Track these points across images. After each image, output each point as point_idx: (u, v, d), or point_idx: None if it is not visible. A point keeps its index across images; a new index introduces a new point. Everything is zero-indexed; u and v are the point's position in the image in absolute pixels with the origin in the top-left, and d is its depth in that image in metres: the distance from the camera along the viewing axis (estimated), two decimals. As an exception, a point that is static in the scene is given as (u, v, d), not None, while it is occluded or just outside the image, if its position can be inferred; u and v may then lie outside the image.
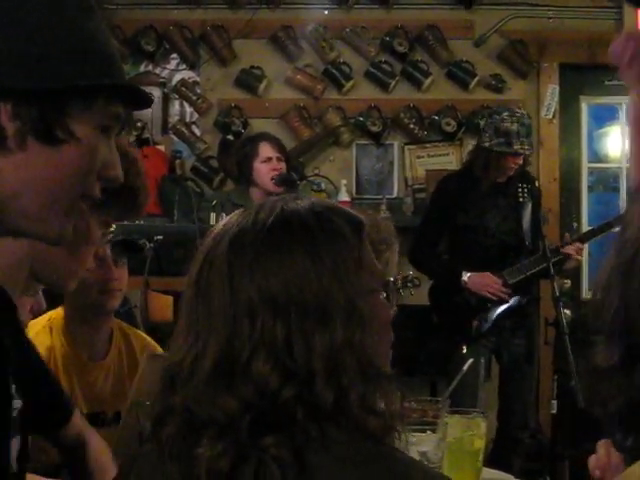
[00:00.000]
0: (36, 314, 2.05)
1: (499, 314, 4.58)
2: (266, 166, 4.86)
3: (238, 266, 1.26)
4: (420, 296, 4.86)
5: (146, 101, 1.30)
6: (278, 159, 4.92)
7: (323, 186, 5.73)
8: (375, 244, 2.77)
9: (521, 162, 4.59)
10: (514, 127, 4.50)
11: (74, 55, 1.24)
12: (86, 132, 1.25)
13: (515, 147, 4.48)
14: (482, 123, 4.90)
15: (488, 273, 4.51)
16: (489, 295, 4.51)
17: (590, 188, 6.02)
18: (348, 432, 1.22)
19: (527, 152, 4.58)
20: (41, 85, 1.20)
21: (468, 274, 4.52)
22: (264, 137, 5.08)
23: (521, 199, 4.63)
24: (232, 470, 1.19)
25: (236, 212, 1.35)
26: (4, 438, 1.32)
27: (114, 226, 1.99)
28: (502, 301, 4.55)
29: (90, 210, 1.83)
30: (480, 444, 2.12)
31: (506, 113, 4.57)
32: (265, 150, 4.91)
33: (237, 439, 1.20)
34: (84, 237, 1.87)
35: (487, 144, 4.54)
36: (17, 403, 1.58)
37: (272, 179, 4.79)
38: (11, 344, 1.33)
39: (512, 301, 4.57)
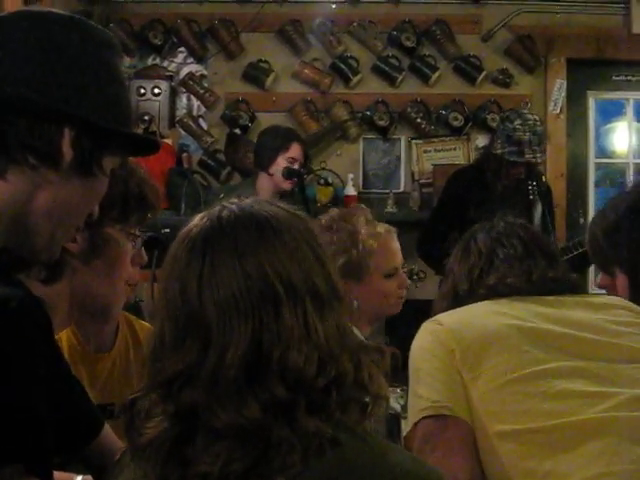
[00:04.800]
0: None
1: None
2: (287, 165, 4.87)
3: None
4: (425, 290, 4.85)
5: (155, 152, 1.41)
6: (299, 164, 4.94)
7: (330, 180, 5.74)
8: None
9: (532, 167, 4.60)
10: (526, 137, 4.49)
11: (115, 101, 1.31)
12: (107, 172, 1.32)
13: (527, 156, 4.48)
14: (493, 124, 4.84)
15: None
16: None
17: (597, 183, 6.03)
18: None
19: (539, 160, 4.59)
20: (102, 122, 1.26)
21: None
22: (298, 138, 5.05)
23: (531, 196, 4.63)
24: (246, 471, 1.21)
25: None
26: None
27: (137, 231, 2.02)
28: None
29: (114, 226, 1.89)
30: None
31: (518, 122, 4.52)
32: (295, 151, 4.92)
33: (263, 438, 1.21)
34: (118, 260, 1.93)
35: (499, 151, 4.54)
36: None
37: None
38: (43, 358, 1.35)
39: None
